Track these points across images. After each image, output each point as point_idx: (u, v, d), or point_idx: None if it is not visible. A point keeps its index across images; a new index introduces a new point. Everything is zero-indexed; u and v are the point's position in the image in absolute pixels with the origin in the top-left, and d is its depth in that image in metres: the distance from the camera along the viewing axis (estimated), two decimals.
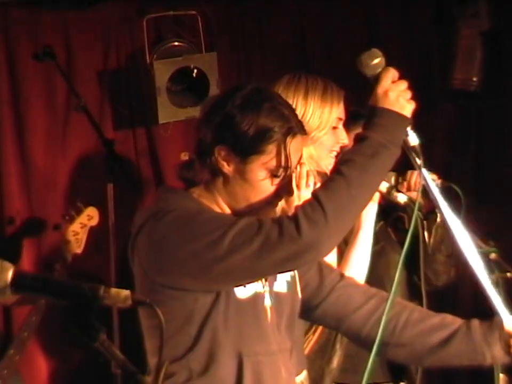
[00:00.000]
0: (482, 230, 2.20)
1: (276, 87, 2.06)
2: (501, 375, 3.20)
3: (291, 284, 1.75)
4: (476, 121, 3.16)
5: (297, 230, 1.51)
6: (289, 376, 1.71)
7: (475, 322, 1.74)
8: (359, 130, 1.75)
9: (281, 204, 1.79)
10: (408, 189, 2.50)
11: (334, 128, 2.15)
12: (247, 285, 1.65)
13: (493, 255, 2.31)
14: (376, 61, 1.55)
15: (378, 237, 2.63)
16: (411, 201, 2.32)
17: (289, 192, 1.69)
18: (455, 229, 1.66)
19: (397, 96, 1.56)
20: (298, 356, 1.98)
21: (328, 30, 3.12)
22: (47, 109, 3.10)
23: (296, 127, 1.59)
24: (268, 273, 1.66)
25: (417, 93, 1.53)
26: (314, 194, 1.59)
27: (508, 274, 2.32)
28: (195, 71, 2.93)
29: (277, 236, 1.53)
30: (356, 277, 2.24)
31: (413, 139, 1.57)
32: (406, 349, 1.80)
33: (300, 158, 1.69)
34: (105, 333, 1.08)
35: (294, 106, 1.78)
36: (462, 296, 3.15)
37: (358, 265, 2.44)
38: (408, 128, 1.56)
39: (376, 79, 1.55)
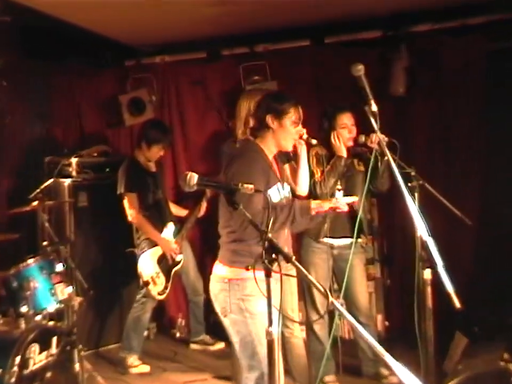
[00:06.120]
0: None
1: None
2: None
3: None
4: (401, 112, 6.29)
5: None
6: None
7: None
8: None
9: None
10: (370, 143, 4.82)
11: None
12: (275, 196, 3.64)
13: (413, 173, 4.45)
14: (359, 67, 3.14)
15: (349, 168, 5.12)
16: (319, 142, 4.53)
17: (300, 133, 3.96)
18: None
19: None
20: None
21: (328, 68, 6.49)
22: (195, 110, 7.04)
23: (298, 103, 3.76)
24: None
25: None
26: None
27: (420, 182, 4.43)
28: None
29: None
30: (304, 189, 4.64)
31: (374, 107, 3.21)
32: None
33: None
34: (241, 205, 2.88)
35: None
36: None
37: (303, 183, 4.65)
38: (372, 102, 3.18)
39: (359, 77, 3.14)
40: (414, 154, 5.77)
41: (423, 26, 6.14)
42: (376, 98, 3.48)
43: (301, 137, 4.40)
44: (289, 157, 4.72)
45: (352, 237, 5.00)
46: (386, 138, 4.48)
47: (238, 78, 6.77)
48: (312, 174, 4.99)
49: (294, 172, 4.71)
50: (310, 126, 4.41)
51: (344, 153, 4.99)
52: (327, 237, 5.05)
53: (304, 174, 4.68)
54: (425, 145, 6.29)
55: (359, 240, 5.23)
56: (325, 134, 5.15)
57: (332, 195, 4.95)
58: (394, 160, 4.48)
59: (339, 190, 5.04)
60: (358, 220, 4.41)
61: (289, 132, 3.75)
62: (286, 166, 4.67)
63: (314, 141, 4.48)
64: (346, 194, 4.93)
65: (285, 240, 3.83)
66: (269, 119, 3.70)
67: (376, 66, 6.26)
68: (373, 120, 3.30)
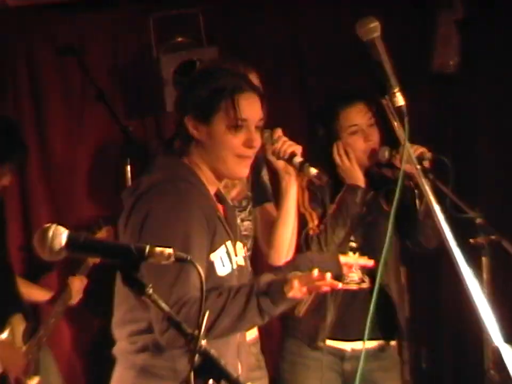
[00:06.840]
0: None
1: None
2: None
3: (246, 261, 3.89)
4: (452, 106, 6.32)
5: None
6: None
7: None
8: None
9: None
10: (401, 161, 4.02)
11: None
12: (223, 266, 3.54)
13: (478, 220, 4.57)
14: (372, 24, 3.00)
15: (370, 208, 5.07)
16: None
17: (253, 144, 3.56)
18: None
19: None
20: None
21: (319, 25, 6.44)
22: (64, 101, 6.84)
23: (243, 85, 3.56)
24: None
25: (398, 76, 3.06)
26: None
27: (492, 237, 4.57)
28: (198, 63, 6.25)
29: None
30: (283, 257, 4.48)
31: (400, 99, 3.06)
32: None
33: (259, 112, 3.60)
34: (150, 288, 2.42)
35: None
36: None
37: (283, 245, 4.49)
38: (396, 90, 3.05)
39: (371, 44, 3.02)
40: (480, 184, 5.73)
41: None
42: (404, 81, 3.38)
43: (289, 160, 4.27)
44: (265, 194, 4.66)
45: (376, 339, 5.04)
46: (428, 154, 4.61)
47: (145, 39, 6.76)
48: (302, 223, 4.79)
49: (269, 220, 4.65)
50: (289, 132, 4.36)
51: (359, 180, 4.92)
52: (331, 339, 4.95)
53: (287, 229, 4.45)
54: (496, 164, 6.33)
55: (391, 343, 5.16)
56: (322, 147, 5.09)
57: None
58: (443, 196, 4.48)
59: (353, 250, 4.97)
60: (375, 297, 3.77)
61: (225, 144, 3.55)
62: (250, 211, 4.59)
63: (314, 170, 4.25)
64: (368, 257, 4.60)
65: (235, 348, 3.69)
66: (189, 122, 3.57)
67: (405, 22, 6.45)
68: (396, 123, 3.08)
